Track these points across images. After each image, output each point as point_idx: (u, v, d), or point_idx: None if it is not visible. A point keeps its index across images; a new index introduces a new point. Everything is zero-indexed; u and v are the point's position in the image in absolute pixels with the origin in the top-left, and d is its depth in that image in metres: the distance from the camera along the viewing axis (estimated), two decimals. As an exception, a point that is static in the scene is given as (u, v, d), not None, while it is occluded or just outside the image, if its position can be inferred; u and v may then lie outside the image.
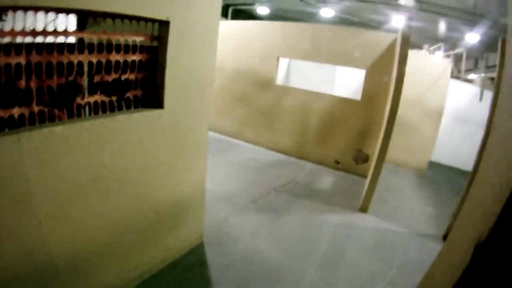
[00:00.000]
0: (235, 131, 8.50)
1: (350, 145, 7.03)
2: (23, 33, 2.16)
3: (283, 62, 10.23)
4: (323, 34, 7.11)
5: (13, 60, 2.15)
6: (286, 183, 6.26)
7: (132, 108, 2.89)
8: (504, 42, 4.51)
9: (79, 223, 2.60)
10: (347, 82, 9.66)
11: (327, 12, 11.62)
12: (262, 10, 13.66)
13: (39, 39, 2.26)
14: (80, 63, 2.48)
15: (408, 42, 4.98)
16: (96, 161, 2.56)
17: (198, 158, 3.65)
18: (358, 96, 6.89)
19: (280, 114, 7.78)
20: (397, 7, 9.09)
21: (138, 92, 2.94)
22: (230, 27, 8.21)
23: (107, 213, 2.81)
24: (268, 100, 7.87)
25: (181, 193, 3.54)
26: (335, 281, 3.75)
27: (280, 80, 8.39)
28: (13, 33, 2.11)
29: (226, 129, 8.59)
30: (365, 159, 6.84)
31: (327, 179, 6.74)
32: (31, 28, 2.19)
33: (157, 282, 3.41)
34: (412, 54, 6.41)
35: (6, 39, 2.10)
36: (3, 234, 2.15)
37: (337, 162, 7.21)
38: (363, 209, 5.40)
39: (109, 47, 2.65)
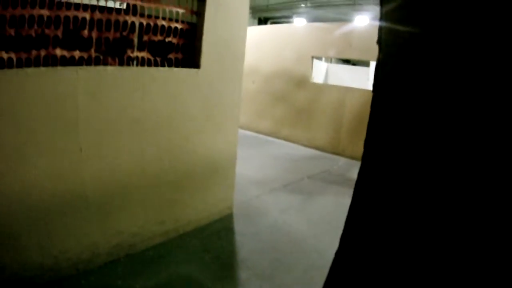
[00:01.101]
0: (272, 130, 8.82)
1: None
2: None
3: (321, 67, 10.50)
4: (353, 32, 7.39)
5: (80, 14, 2.66)
6: (319, 172, 6.41)
7: (173, 67, 3.31)
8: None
9: (114, 160, 2.93)
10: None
11: (362, 20, 11.84)
12: (299, 21, 14.11)
13: (102, 2, 2.80)
14: (133, 23, 2.97)
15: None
16: (138, 103, 2.97)
17: (230, 121, 3.95)
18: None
19: (315, 111, 8.01)
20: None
21: (179, 55, 3.37)
22: (265, 32, 8.71)
23: (141, 156, 3.12)
24: (303, 98, 8.15)
25: (212, 152, 3.81)
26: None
27: (318, 81, 8.65)
28: None
29: (264, 129, 8.93)
30: (398, 152, 6.84)
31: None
32: None
33: (182, 242, 3.54)
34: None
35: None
36: (45, 155, 2.51)
37: (369, 154, 7.27)
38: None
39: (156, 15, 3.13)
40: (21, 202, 2.47)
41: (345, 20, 11.93)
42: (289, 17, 14.26)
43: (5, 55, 2.45)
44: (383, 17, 1.18)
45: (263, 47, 8.63)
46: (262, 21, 15.29)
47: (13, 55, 2.47)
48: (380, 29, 1.21)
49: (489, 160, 0.84)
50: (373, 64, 10.24)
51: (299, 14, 13.65)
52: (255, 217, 4.36)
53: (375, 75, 1.21)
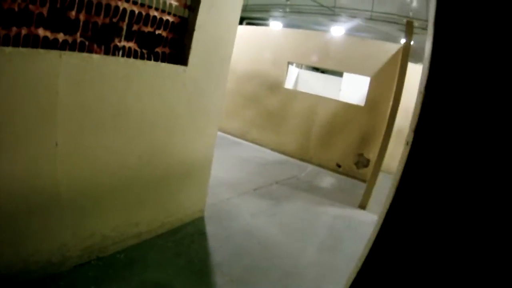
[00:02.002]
0: (241, 131, 8.76)
1: (352, 150, 7.24)
2: None
3: (292, 73, 10.57)
4: (331, 42, 7.53)
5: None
6: (288, 178, 6.45)
7: (159, 61, 3.13)
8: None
9: (91, 156, 2.71)
10: (351, 92, 9.95)
11: (337, 30, 12.08)
12: (275, 25, 14.15)
13: None
14: (124, 10, 2.75)
15: (408, 54, 5.24)
16: (121, 96, 2.78)
17: (212, 123, 3.83)
18: (362, 104, 7.19)
19: (286, 117, 8.04)
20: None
21: (166, 50, 3.20)
22: (241, 32, 8.56)
23: (120, 154, 2.93)
24: (275, 103, 8.16)
25: (191, 154, 3.69)
26: (331, 259, 3.84)
27: (289, 86, 8.70)
28: None
29: (233, 130, 8.85)
30: (366, 163, 7.04)
31: (327, 179, 6.91)
32: None
33: (155, 244, 3.43)
34: (414, 67, 6.70)
35: None
36: (19, 143, 2.27)
37: (338, 166, 7.41)
38: (362, 206, 5.55)
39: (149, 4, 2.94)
40: (6, 194, 2.26)
41: (322, 29, 12.14)
42: (266, 19, 14.24)
43: None
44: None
45: (239, 47, 8.49)
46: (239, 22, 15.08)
47: None
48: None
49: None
50: (346, 75, 10.48)
51: (275, 18, 13.67)
52: (227, 220, 4.29)
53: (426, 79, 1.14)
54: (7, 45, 2.24)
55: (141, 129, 3.04)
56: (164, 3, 3.01)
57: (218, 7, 3.37)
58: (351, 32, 11.98)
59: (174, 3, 3.08)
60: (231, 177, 5.81)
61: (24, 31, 2.32)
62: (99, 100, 2.64)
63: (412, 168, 1.14)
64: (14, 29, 2.27)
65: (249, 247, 3.75)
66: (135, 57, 2.94)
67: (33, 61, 2.26)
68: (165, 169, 3.43)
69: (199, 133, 3.70)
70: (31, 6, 2.32)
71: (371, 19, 10.15)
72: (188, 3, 3.20)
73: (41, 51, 2.30)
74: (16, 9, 2.27)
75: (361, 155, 7.12)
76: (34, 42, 2.37)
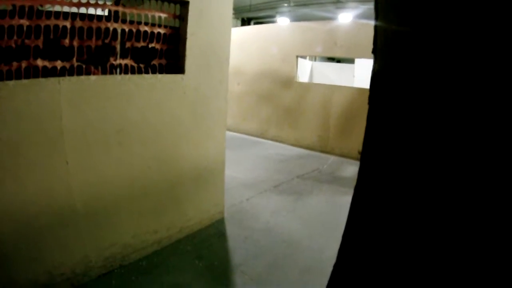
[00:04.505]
0: (259, 130, 8.82)
1: (372, 135, 7.12)
2: (70, 3, 2.62)
3: (306, 66, 10.54)
4: (338, 30, 7.45)
5: (60, 23, 2.60)
6: (309, 172, 6.41)
7: (157, 73, 3.25)
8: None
9: (102, 171, 2.87)
10: (366, 77, 9.82)
11: (345, 18, 11.92)
12: (282, 21, 14.12)
13: (83, 9, 2.71)
14: (115, 30, 2.90)
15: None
16: (123, 112, 2.92)
17: (217, 126, 3.91)
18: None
19: (302, 110, 8.03)
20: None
21: (163, 61, 3.32)
22: (249, 33, 8.70)
23: (129, 166, 3.06)
24: (290, 98, 8.17)
25: (201, 158, 3.78)
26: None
27: (303, 80, 8.68)
28: (61, 2, 2.57)
29: (251, 130, 8.93)
30: (388, 146, 6.88)
31: (350, 169, 6.81)
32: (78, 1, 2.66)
33: (175, 249, 3.52)
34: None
35: (56, 7, 2.57)
36: (31, 169, 2.44)
37: (360, 153, 7.31)
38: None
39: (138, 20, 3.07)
40: (8, 219, 2.39)
41: (329, 18, 12.02)
42: (273, 16, 14.28)
43: None
44: (378, 20, 1.17)
45: (248, 48, 8.61)
46: (246, 22, 15.27)
47: None
48: (375, 35, 1.20)
49: (486, 158, 0.84)
50: (358, 61, 10.35)
51: (282, 14, 13.67)
52: (247, 220, 4.33)
53: (372, 76, 1.20)
54: (10, 79, 2.41)
55: (147, 140, 3.16)
56: (153, 17, 3.13)
57: (207, 13, 3.46)
58: (361, 19, 11.80)
59: (164, 15, 3.19)
60: (251, 177, 5.85)
61: (24, 64, 2.48)
62: (102, 118, 2.79)
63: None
64: (15, 63, 2.44)
65: (270, 245, 3.76)
66: (133, 72, 3.07)
67: (35, 90, 2.42)
68: (177, 176, 3.53)
69: (205, 137, 3.78)
70: (27, 41, 2.48)
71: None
72: (177, 13, 3.30)
73: (41, 80, 2.47)
74: (14, 45, 2.44)
75: (381, 139, 6.98)
76: (35, 73, 2.53)
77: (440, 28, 0.90)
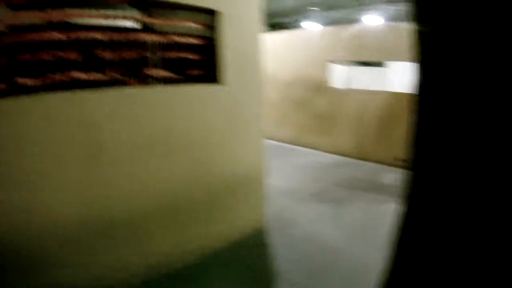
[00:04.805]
0: (294, 138, 8.71)
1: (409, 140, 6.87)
2: (104, 16, 2.71)
3: (340, 71, 10.42)
4: (367, 33, 7.30)
5: (96, 36, 2.66)
6: (346, 179, 6.27)
7: (194, 84, 3.29)
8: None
9: (142, 181, 2.91)
10: (402, 80, 9.57)
11: (372, 19, 11.75)
12: (310, 25, 14.07)
13: (118, 22, 2.82)
14: (150, 42, 2.96)
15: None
16: (161, 122, 2.95)
17: (254, 134, 3.89)
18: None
19: (337, 116, 7.87)
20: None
21: (198, 71, 3.35)
22: (279, 39, 8.68)
23: (169, 176, 3.09)
24: (324, 104, 8.04)
25: (240, 166, 3.76)
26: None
27: (339, 85, 8.57)
28: (98, 15, 2.67)
29: (286, 137, 8.83)
30: (427, 152, 6.63)
31: (388, 175, 6.60)
32: (112, 14, 2.76)
33: (217, 259, 3.51)
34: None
35: (93, 21, 2.65)
36: (71, 180, 2.50)
37: (398, 159, 7.09)
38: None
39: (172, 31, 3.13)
40: (49, 230, 2.46)
41: (356, 19, 11.87)
42: (300, 21, 14.26)
43: (22, 81, 2.45)
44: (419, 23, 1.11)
45: (279, 54, 8.58)
46: (273, 27, 15.31)
47: (31, 81, 2.47)
48: (417, 39, 1.14)
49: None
50: (389, 64, 10.11)
51: (310, 18, 13.63)
52: (286, 228, 4.27)
53: (418, 83, 1.14)
54: (47, 91, 2.48)
55: (186, 149, 3.19)
56: (187, 28, 3.18)
57: (239, 22, 3.46)
58: (392, 21, 11.60)
59: (195, 26, 3.22)
60: (289, 185, 5.79)
61: (61, 77, 2.55)
62: (140, 129, 2.83)
63: None
64: (52, 76, 2.52)
65: (310, 253, 3.70)
66: (169, 83, 3.11)
67: (72, 102, 2.49)
68: (216, 184, 3.53)
69: (243, 145, 3.76)
70: (64, 54, 2.55)
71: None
72: (210, 23, 3.32)
73: (78, 92, 2.52)
74: (52, 58, 2.52)
75: (420, 144, 6.74)
76: (72, 86, 2.59)
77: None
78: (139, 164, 2.86)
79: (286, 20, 14.10)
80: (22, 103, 2.35)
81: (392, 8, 10.51)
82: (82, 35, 2.62)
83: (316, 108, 8.20)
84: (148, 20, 2.95)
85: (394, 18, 11.38)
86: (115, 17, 2.78)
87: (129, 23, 2.87)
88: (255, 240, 3.96)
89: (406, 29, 6.91)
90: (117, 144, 2.70)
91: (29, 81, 2.45)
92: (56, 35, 2.54)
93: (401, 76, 9.60)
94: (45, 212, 2.44)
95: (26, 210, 2.37)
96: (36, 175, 2.38)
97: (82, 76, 2.63)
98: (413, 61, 1.13)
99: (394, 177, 6.53)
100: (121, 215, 2.81)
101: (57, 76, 2.53)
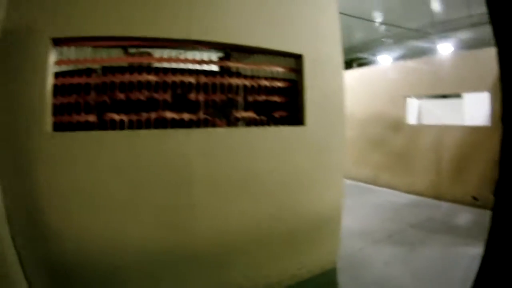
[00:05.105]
0: (370, 177, 8.51)
1: (487, 178, 6.36)
2: (193, 60, 2.86)
3: (413, 105, 10.11)
4: (442, 65, 7.05)
5: (187, 79, 2.82)
6: (422, 221, 5.99)
7: (279, 125, 3.38)
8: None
9: (225, 216, 3.01)
10: (476, 112, 9.06)
11: (446, 48, 11.33)
12: (384, 59, 13.88)
13: (205, 66, 2.99)
14: (238, 85, 3.12)
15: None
16: (247, 162, 3.05)
17: (335, 174, 3.85)
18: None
19: (413, 154, 7.58)
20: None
21: (283, 113, 3.44)
22: (355, 76, 8.65)
23: (251, 213, 3.15)
24: (400, 142, 7.80)
25: (319, 206, 3.72)
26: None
27: (412, 121, 8.30)
28: (186, 60, 2.85)
29: (363, 176, 8.65)
30: (504, 191, 6.11)
31: (464, 216, 6.22)
32: (199, 58, 2.94)
33: None
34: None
35: (181, 65, 2.81)
36: (157, 209, 2.67)
37: (475, 199, 6.59)
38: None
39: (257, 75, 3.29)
40: (127, 251, 2.63)
41: (430, 49, 11.49)
42: (374, 55, 14.11)
43: (117, 117, 2.65)
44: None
45: (355, 91, 8.51)
46: (348, 64, 15.29)
47: (124, 117, 2.66)
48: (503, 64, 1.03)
49: None
50: (466, 95, 9.59)
51: (383, 51, 13.47)
52: (359, 270, 4.12)
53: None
54: (141, 128, 2.67)
55: (270, 188, 3.25)
56: (271, 71, 3.29)
57: (321, 64, 3.54)
58: (462, 47, 11.11)
59: (281, 70, 3.32)
60: (364, 226, 5.66)
61: (153, 115, 2.72)
62: (228, 167, 2.96)
63: None
64: (144, 114, 2.68)
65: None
66: (255, 124, 3.23)
67: (165, 140, 2.65)
68: (295, 223, 3.51)
69: (324, 186, 3.74)
70: (155, 95, 2.73)
71: (472, 25, 9.31)
72: (293, 66, 3.43)
73: (171, 131, 2.70)
74: (144, 98, 2.69)
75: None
76: (164, 124, 2.75)
77: None
78: (223, 200, 2.97)
79: (360, 55, 14.05)
80: (111, 136, 2.60)
81: (467, 34, 10.09)
82: (175, 78, 2.80)
83: (392, 146, 7.98)
84: (235, 64, 3.11)
85: (468, 45, 10.90)
86: (205, 62, 2.94)
87: (217, 67, 3.02)
88: (326, 280, 3.85)
89: (477, 55, 6.52)
90: (204, 180, 2.84)
91: (117, 117, 2.64)
92: (148, 77, 2.73)
93: (477, 108, 9.08)
94: (129, 238, 2.62)
95: (114, 235, 2.59)
96: (119, 202, 2.58)
97: (174, 115, 2.79)
98: (496, 90, 1.02)
99: (472, 218, 6.11)
100: (197, 246, 2.91)
101: (149, 115, 2.70)
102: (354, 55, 13.97)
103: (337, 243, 4.06)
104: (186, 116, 2.84)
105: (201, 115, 2.91)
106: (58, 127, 2.59)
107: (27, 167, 2.42)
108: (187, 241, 2.85)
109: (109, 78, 2.71)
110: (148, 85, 2.77)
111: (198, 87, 2.91)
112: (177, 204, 2.76)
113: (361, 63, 14.84)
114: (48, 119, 2.49)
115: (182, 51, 2.98)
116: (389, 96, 7.96)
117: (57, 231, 2.49)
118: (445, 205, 6.86)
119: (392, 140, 7.95)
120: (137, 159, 2.61)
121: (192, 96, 2.88)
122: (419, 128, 7.72)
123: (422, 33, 10.68)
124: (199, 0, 2.86)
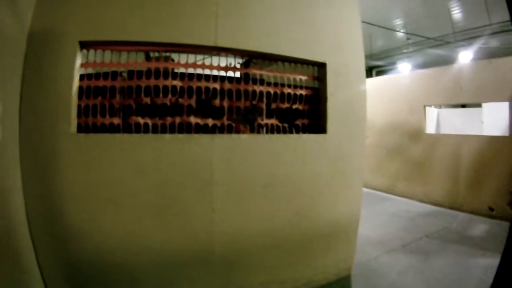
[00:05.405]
0: (387, 185, 8.46)
1: (504, 189, 6.27)
2: (219, 67, 2.92)
3: (432, 114, 10.02)
4: (462, 73, 6.97)
5: (211, 85, 2.87)
6: (437, 231, 5.94)
7: (301, 133, 3.41)
8: None
9: (244, 221, 3.04)
10: (495, 122, 8.91)
11: (466, 56, 11.20)
12: (403, 67, 13.77)
13: (230, 73, 3.04)
14: (261, 92, 3.16)
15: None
16: (269, 168, 3.09)
17: (355, 182, 3.85)
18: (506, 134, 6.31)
19: (431, 164, 7.51)
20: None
21: (305, 121, 3.48)
22: (374, 84, 8.61)
23: (270, 218, 3.18)
24: (419, 150, 7.74)
25: (337, 214, 3.73)
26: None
27: (430, 129, 8.23)
28: (211, 67, 2.90)
29: (380, 185, 8.61)
30: (521, 202, 6.02)
31: (480, 227, 6.13)
32: (224, 65, 2.99)
33: None
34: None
35: (207, 71, 2.86)
36: (177, 212, 2.73)
37: (491, 209, 6.50)
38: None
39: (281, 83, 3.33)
40: (147, 252, 2.69)
41: (450, 58, 11.38)
42: (393, 63, 14.03)
43: (141, 121, 2.72)
44: None
45: (374, 100, 8.46)
46: (367, 72, 15.19)
47: (149, 121, 2.73)
48: None
49: None
50: (485, 105, 9.48)
51: (403, 60, 13.37)
52: (373, 279, 4.10)
53: None
54: (165, 132, 2.73)
55: (289, 195, 3.27)
56: (295, 79, 3.34)
57: (344, 72, 3.55)
58: (483, 56, 10.97)
59: (304, 78, 3.36)
60: (379, 234, 5.64)
61: (178, 120, 2.77)
62: (250, 173, 3.01)
63: None
64: (169, 119, 2.74)
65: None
66: (278, 132, 3.27)
67: (189, 144, 2.70)
68: (313, 230, 3.53)
69: (343, 194, 3.74)
70: (180, 100, 2.79)
71: (493, 33, 9.18)
72: (316, 74, 3.46)
73: (195, 135, 2.75)
74: (168, 103, 2.75)
75: (513, 193, 6.14)
76: (188, 128, 2.80)
77: None
78: (243, 205, 3.01)
79: (379, 63, 13.98)
80: (135, 138, 2.66)
81: (481, 42, 9.98)
82: (199, 83, 2.85)
83: (409, 155, 7.92)
84: (259, 71, 3.15)
85: (488, 54, 10.76)
86: (230, 69, 2.99)
87: (242, 74, 3.07)
88: (341, 286, 3.83)
89: (496, 64, 6.43)
90: (225, 185, 2.88)
91: (142, 120, 2.71)
92: (173, 82, 2.79)
93: (497, 118, 8.94)
94: (147, 240, 2.69)
95: (134, 237, 2.66)
96: (141, 204, 2.66)
97: (198, 121, 2.84)
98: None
99: (487, 229, 6.04)
100: (215, 249, 2.95)
101: (174, 119, 2.76)
102: (373, 63, 13.91)
103: (353, 251, 4.06)
104: (210, 121, 2.90)
105: (225, 121, 2.96)
106: (83, 128, 2.67)
107: (50, 167, 2.48)
108: (204, 244, 2.89)
109: (134, 82, 2.78)
110: (173, 90, 2.83)
111: (223, 93, 2.96)
112: (197, 208, 2.81)
113: (380, 71, 14.75)
114: (73, 121, 2.56)
115: (207, 57, 3.04)
116: (408, 104, 7.90)
117: (78, 231, 2.55)
118: (461, 215, 6.78)
119: (410, 149, 7.90)
120: (160, 162, 2.67)
121: (217, 102, 2.93)
122: (438, 137, 7.65)
123: (442, 42, 10.60)
124: (227, 9, 2.91)
